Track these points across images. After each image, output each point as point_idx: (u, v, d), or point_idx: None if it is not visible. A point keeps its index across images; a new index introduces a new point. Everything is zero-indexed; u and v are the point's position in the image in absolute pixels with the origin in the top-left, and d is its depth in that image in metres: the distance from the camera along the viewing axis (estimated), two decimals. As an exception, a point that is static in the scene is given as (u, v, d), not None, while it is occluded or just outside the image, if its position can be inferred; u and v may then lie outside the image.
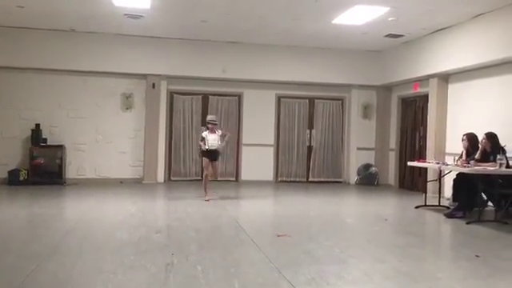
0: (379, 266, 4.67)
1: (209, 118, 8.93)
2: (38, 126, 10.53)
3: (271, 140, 12.14)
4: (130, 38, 10.88)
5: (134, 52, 10.95)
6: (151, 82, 11.27)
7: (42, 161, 10.56)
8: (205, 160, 8.72)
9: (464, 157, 7.75)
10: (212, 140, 8.55)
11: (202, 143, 8.64)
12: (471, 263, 4.84)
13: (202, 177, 11.51)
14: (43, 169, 10.58)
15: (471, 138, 7.83)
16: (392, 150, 12.12)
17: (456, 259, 5.28)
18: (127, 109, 11.34)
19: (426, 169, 9.24)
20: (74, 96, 11.04)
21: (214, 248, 5.35)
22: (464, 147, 7.90)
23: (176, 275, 4.17)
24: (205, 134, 8.66)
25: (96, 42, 10.79)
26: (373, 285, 4.08)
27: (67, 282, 3.92)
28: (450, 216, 7.42)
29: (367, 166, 12.24)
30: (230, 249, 5.31)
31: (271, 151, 12.13)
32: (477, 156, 7.46)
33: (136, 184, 10.95)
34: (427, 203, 8.44)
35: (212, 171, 8.74)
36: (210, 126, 8.64)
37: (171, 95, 11.68)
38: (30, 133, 10.52)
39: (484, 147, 7.45)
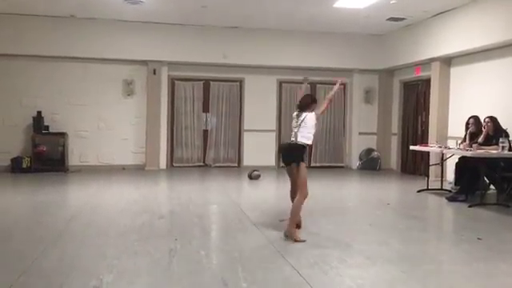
0: (381, 249, 4.69)
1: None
2: (39, 113, 10.53)
3: (273, 125, 12.11)
4: (131, 24, 10.81)
5: (134, 38, 10.88)
6: (152, 68, 11.23)
7: (44, 148, 10.58)
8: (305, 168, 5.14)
9: (468, 140, 7.72)
10: None
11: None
12: (473, 246, 4.85)
13: (204, 162, 11.94)
14: (46, 156, 10.60)
15: (478, 121, 7.79)
16: (394, 134, 12.11)
17: (458, 242, 5.29)
18: (128, 95, 11.32)
19: (428, 153, 9.23)
20: (75, 83, 11.01)
21: (217, 233, 5.39)
22: (471, 130, 7.83)
23: (179, 260, 4.19)
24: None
25: (96, 29, 10.72)
26: (375, 268, 4.10)
27: (72, 268, 3.95)
28: (452, 199, 7.44)
29: (369, 151, 12.23)
30: (233, 234, 5.33)
31: (273, 136, 12.11)
32: (480, 139, 7.44)
33: (138, 170, 10.97)
34: (429, 187, 8.44)
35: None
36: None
37: (172, 81, 11.65)
38: (31, 120, 10.52)
39: (487, 130, 7.43)
